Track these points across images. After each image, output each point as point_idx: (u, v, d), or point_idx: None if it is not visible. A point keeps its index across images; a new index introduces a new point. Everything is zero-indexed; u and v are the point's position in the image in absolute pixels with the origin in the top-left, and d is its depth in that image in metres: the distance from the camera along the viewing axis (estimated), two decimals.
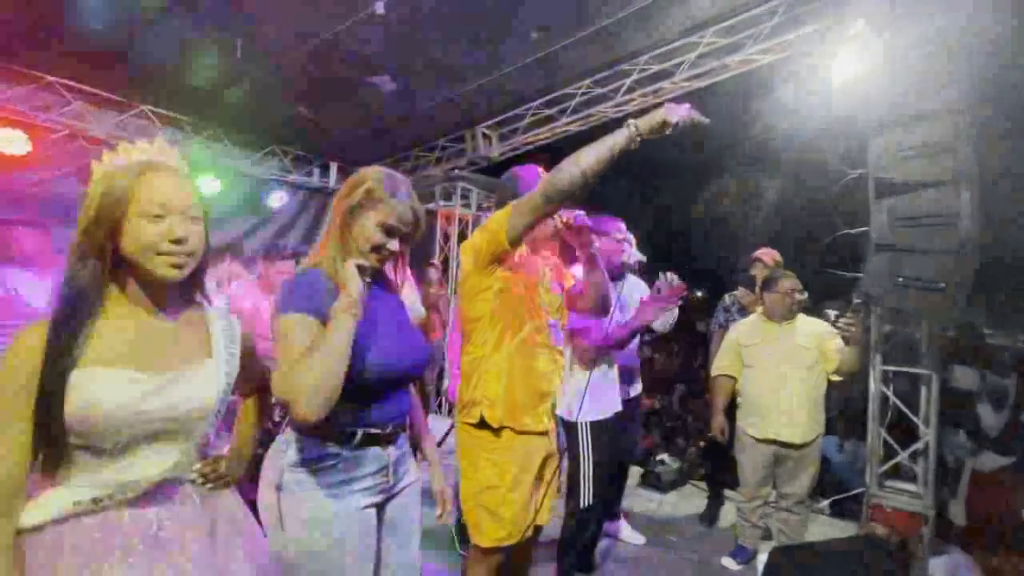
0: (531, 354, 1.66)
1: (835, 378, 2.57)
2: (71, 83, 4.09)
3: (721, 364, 2.94)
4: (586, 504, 2.23)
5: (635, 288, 2.92)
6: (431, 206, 6.17)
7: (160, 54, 3.81)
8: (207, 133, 5.01)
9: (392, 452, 1.28)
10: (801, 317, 2.72)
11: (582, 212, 1.73)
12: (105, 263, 0.95)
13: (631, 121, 1.40)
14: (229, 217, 5.45)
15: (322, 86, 4.35)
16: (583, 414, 2.25)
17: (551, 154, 5.17)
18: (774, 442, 2.68)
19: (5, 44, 3.56)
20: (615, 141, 1.41)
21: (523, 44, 3.87)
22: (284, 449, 1.21)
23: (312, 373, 1.03)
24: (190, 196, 1.01)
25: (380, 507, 1.29)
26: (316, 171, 6.01)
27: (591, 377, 2.27)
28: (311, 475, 1.18)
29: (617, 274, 2.92)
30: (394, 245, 1.26)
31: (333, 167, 6.02)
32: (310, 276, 1.21)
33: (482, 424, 1.62)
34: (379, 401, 1.24)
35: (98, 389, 0.89)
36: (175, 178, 1.00)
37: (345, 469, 1.20)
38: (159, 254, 0.95)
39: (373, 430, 1.23)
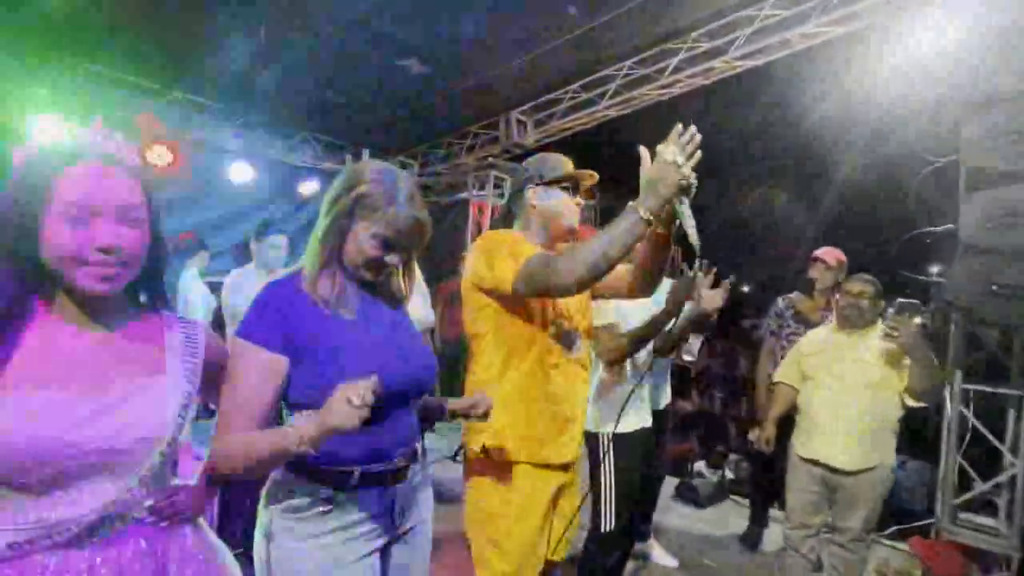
0: (546, 377, 1.44)
1: (911, 402, 2.21)
2: (102, 69, 4.12)
3: (784, 372, 2.65)
4: (607, 528, 2.01)
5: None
6: (464, 195, 6.00)
7: (191, 40, 3.77)
8: (240, 120, 4.99)
9: (400, 490, 1.10)
10: (880, 328, 2.35)
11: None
12: (19, 271, 0.79)
13: (633, 205, 1.13)
14: (263, 204, 5.46)
15: (352, 71, 4.22)
16: (607, 425, 2.02)
17: (589, 141, 4.89)
18: (819, 464, 2.37)
19: (42, 32, 3.58)
20: (629, 235, 1.14)
21: (559, 22, 3.59)
22: (274, 492, 1.06)
23: (236, 462, 0.96)
24: (130, 194, 0.83)
25: (384, 549, 1.11)
26: (349, 158, 5.93)
27: (618, 384, 2.05)
28: (302, 522, 1.02)
29: None
30: (393, 259, 1.06)
31: (366, 154, 5.94)
32: (285, 289, 1.03)
33: (486, 454, 1.43)
34: (379, 430, 1.04)
35: (13, 417, 0.74)
36: (110, 171, 0.82)
37: (341, 515, 1.03)
38: (83, 264, 0.78)
39: (375, 467, 1.05)
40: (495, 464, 1.44)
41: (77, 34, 3.67)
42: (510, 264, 1.33)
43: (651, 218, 1.12)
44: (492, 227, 1.64)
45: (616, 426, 1.99)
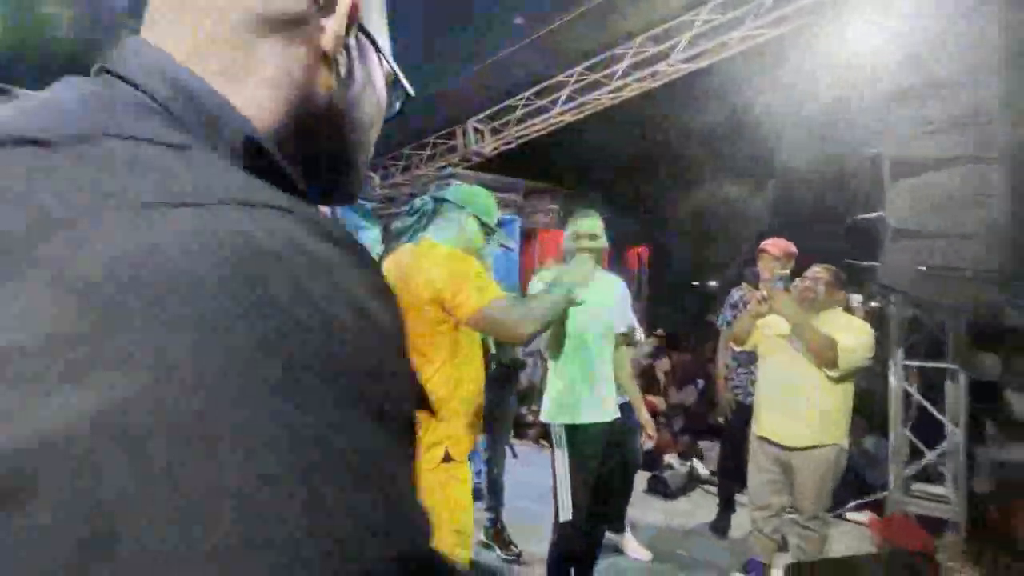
0: (480, 374, 1.62)
1: (829, 373, 2.29)
2: None
3: (738, 328, 2.73)
4: (565, 518, 2.05)
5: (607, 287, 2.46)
6: None
7: None
8: None
9: None
10: (835, 313, 2.45)
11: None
12: None
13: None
14: None
15: None
16: (555, 416, 2.11)
17: (545, 145, 4.98)
18: (770, 441, 2.46)
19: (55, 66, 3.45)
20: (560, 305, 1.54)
21: (509, 31, 3.66)
22: None
23: None
24: None
25: None
26: None
27: (562, 376, 2.13)
28: None
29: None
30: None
31: None
32: None
33: (447, 460, 1.51)
34: None
35: None
36: None
37: None
38: None
39: None
40: (447, 468, 1.51)
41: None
42: (475, 297, 1.44)
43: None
44: (408, 227, 1.69)
45: (563, 417, 2.08)
